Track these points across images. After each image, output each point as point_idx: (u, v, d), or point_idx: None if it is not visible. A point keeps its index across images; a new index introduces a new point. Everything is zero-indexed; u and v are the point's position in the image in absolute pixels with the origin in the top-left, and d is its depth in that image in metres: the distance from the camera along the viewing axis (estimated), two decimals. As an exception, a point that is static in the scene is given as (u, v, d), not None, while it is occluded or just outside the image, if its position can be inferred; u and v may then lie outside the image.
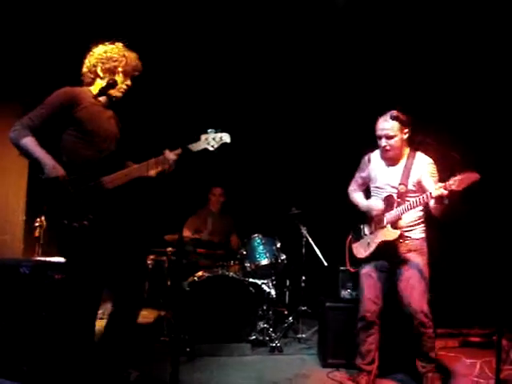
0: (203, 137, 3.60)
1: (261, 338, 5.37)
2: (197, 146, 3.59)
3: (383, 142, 4.18)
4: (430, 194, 3.77)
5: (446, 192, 3.68)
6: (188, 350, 4.96)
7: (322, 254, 5.89)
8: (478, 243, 5.93)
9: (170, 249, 5.76)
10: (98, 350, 3.56)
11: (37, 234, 4.77)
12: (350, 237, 4.58)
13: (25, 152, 3.37)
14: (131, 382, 3.90)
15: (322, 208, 6.96)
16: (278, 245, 5.81)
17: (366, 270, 4.34)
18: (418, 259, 4.16)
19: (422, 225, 4.25)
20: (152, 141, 3.65)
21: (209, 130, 3.60)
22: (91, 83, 3.67)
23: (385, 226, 4.17)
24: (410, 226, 4.20)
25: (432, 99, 6.04)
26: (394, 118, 4.04)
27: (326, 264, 5.82)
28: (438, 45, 6.01)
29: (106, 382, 3.50)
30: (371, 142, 5.20)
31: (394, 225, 4.12)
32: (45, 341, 3.85)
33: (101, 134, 3.59)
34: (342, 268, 5.02)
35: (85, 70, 3.68)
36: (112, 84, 3.59)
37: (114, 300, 3.66)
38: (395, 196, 4.16)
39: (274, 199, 7.01)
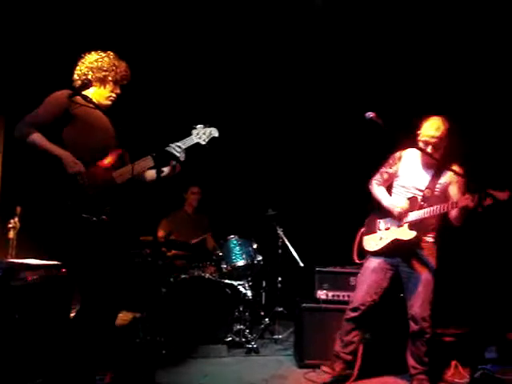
0: (194, 132, 3.72)
1: (237, 339, 5.37)
2: (189, 142, 3.70)
3: (429, 149, 4.14)
4: (456, 203, 3.90)
5: (472, 204, 3.78)
6: (164, 352, 4.94)
7: (298, 255, 5.91)
8: (453, 244, 5.99)
9: (145, 250, 5.71)
10: (74, 351, 3.50)
11: (10, 235, 4.69)
12: (363, 229, 4.60)
13: (35, 148, 3.37)
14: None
15: (298, 209, 6.99)
16: (255, 246, 5.81)
17: (375, 264, 4.38)
18: (432, 263, 4.26)
19: (434, 232, 4.34)
20: (140, 138, 3.65)
21: (198, 126, 3.72)
22: (81, 90, 3.64)
23: (402, 225, 4.23)
24: (425, 231, 4.29)
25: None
26: (369, 120, 3.95)
27: (302, 265, 5.83)
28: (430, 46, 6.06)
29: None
30: (346, 144, 5.23)
31: (412, 226, 4.18)
32: (17, 344, 3.79)
33: (101, 128, 3.63)
34: (317, 269, 5.04)
35: (76, 77, 3.70)
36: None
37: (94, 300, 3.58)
38: (419, 199, 4.22)
39: (250, 201, 7.01)
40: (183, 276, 5.45)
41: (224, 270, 5.70)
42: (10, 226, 4.68)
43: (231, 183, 7.23)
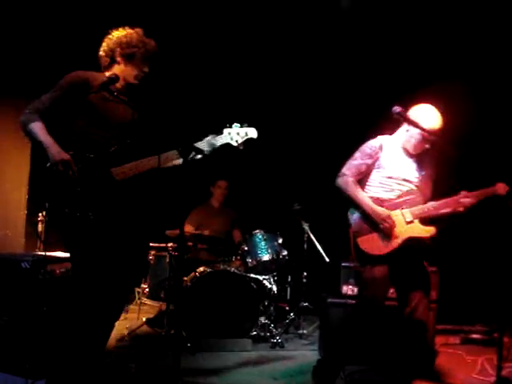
0: (226, 131, 3.49)
1: (262, 333, 5.39)
2: (219, 140, 3.49)
3: (427, 145, 3.84)
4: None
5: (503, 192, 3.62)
6: (189, 345, 4.96)
7: (324, 250, 5.88)
8: (480, 240, 5.92)
9: (171, 244, 5.75)
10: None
11: (39, 228, 4.75)
12: (354, 229, 4.01)
13: (30, 136, 3.28)
14: (131, 375, 3.89)
15: (323, 204, 6.96)
16: (280, 240, 5.79)
17: (378, 274, 3.80)
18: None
19: None
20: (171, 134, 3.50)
21: (234, 125, 3.50)
22: (108, 67, 3.57)
23: (412, 221, 3.76)
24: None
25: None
26: (397, 115, 3.84)
27: (327, 260, 5.80)
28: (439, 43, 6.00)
29: (104, 376, 3.48)
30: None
31: (424, 221, 3.77)
32: (46, 336, 3.85)
33: (114, 120, 3.50)
34: (343, 264, 5.01)
35: (102, 53, 3.57)
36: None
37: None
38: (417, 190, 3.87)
39: (276, 195, 7.00)
40: (209, 270, 5.46)
41: (249, 264, 5.70)
42: (39, 219, 4.74)
43: (257, 177, 7.22)
